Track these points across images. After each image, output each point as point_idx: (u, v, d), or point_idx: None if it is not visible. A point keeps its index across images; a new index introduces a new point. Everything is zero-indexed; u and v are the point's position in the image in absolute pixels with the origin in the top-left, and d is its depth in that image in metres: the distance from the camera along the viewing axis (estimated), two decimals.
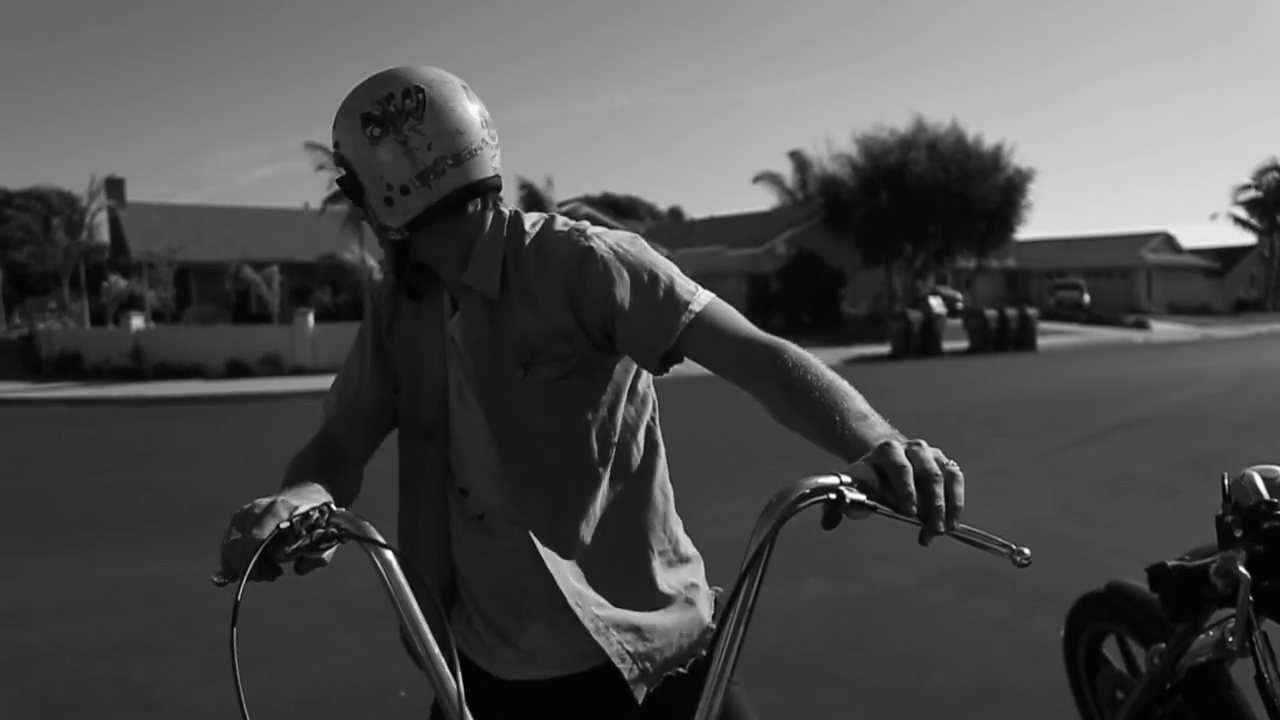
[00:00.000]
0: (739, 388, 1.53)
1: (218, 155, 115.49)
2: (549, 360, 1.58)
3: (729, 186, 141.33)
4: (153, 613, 5.53)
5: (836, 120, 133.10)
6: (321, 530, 1.36)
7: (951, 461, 1.21)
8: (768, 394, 1.45)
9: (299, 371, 22.87)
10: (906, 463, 1.18)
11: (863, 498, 1.20)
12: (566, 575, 1.62)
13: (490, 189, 1.62)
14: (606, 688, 1.63)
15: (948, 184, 36.58)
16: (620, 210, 52.50)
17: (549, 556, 1.61)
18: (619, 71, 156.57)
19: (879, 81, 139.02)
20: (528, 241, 1.63)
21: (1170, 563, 2.60)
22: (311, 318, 24.08)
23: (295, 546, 1.35)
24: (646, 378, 1.73)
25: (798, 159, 48.56)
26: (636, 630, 1.64)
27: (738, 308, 1.65)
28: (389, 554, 1.34)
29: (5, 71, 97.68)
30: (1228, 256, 60.99)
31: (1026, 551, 1.17)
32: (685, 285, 1.59)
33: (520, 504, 1.62)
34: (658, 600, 1.69)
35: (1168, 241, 57.26)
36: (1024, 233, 41.55)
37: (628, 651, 1.63)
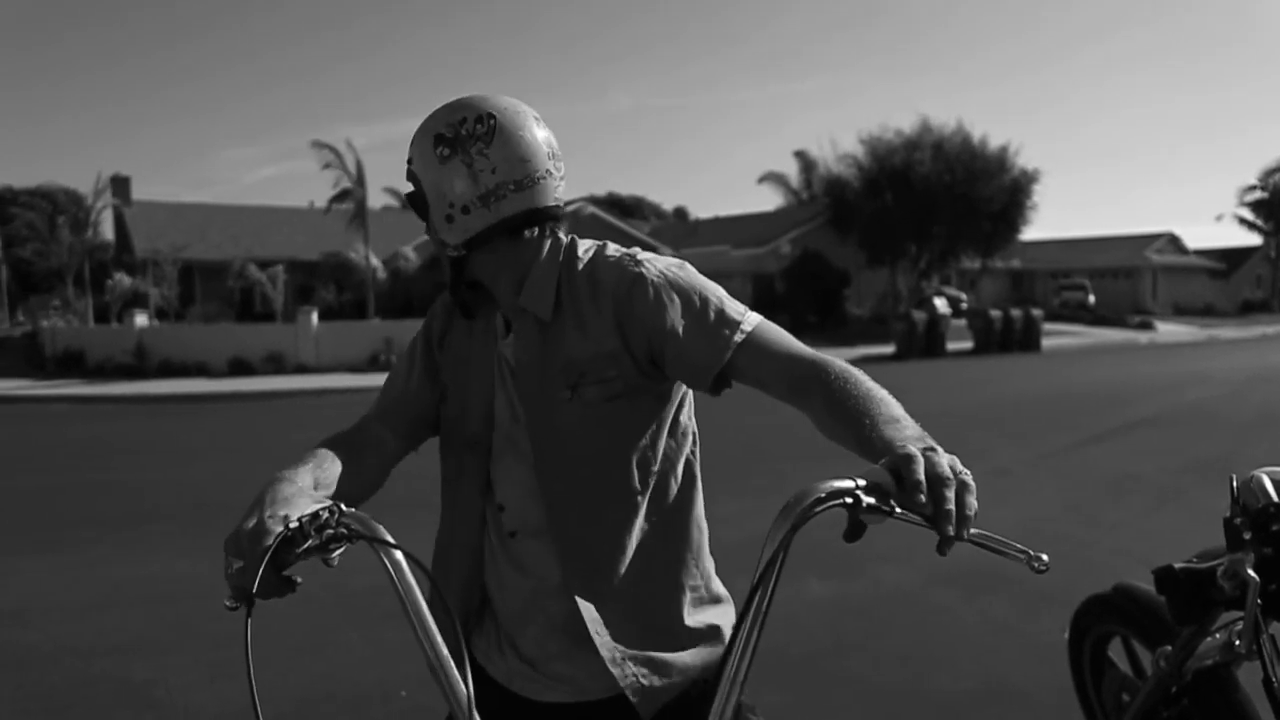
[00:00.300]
0: (788, 405, 1.56)
1: (223, 154, 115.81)
2: (594, 382, 1.61)
3: (734, 187, 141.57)
4: (154, 612, 5.52)
5: (842, 121, 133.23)
6: (331, 531, 1.34)
7: (965, 470, 1.21)
8: (813, 408, 1.48)
9: (302, 370, 22.88)
10: (920, 467, 1.18)
11: (874, 501, 1.19)
12: (591, 602, 1.63)
13: (550, 217, 1.65)
14: (622, 717, 1.63)
15: (953, 185, 36.54)
16: (625, 210, 52.53)
17: (576, 581, 1.63)
18: (624, 72, 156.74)
19: (885, 82, 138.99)
20: (580, 267, 1.67)
21: (1177, 565, 2.58)
22: (315, 316, 24.08)
23: (305, 547, 1.33)
24: (689, 410, 1.76)
25: (803, 159, 48.53)
26: (655, 664, 1.65)
27: None
28: (399, 555, 1.33)
29: (13, 70, 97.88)
30: (1233, 257, 60.88)
31: (1045, 558, 1.18)
32: (735, 307, 1.63)
33: (553, 524, 1.64)
34: (682, 637, 1.68)
35: (1173, 242, 57.16)
36: (1029, 233, 41.53)
37: (642, 685, 1.63)
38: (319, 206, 38.30)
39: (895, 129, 39.80)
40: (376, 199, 54.48)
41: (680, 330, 1.58)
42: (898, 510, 1.19)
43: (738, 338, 1.58)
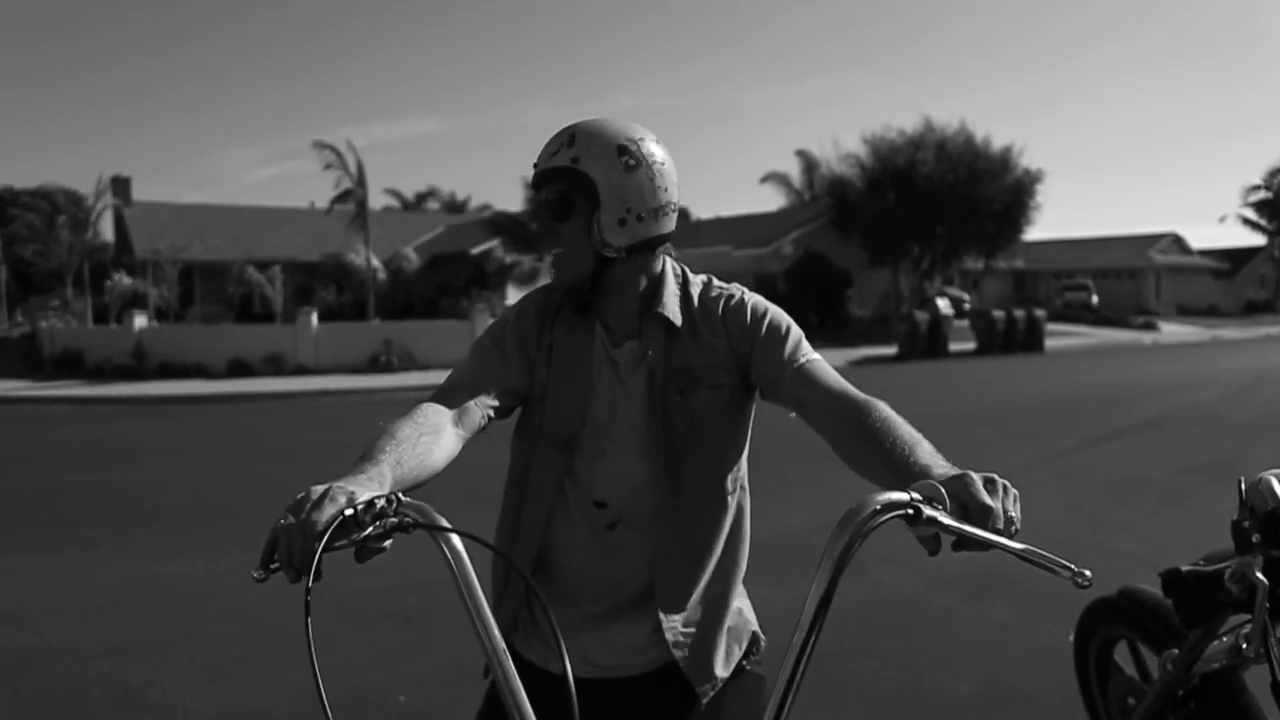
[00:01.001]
0: (814, 427, 1.76)
1: (224, 154, 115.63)
2: (707, 387, 1.82)
3: (736, 187, 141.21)
4: (152, 614, 5.48)
5: (844, 121, 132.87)
6: (391, 519, 1.36)
7: (1012, 487, 1.34)
8: (850, 436, 1.65)
9: (301, 371, 22.84)
10: (978, 480, 1.31)
11: (937, 513, 1.25)
12: (670, 590, 1.82)
13: (669, 241, 1.89)
14: (661, 691, 1.83)
15: (956, 185, 36.47)
16: None
17: (662, 571, 1.82)
18: (626, 72, 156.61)
19: (887, 82, 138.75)
20: (698, 289, 1.92)
21: (1184, 568, 2.55)
22: (314, 317, 24.05)
23: (366, 534, 1.34)
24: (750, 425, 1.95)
25: (805, 159, 48.49)
26: (705, 648, 1.85)
27: None
28: (458, 543, 1.35)
29: (14, 70, 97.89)
30: (1237, 258, 60.78)
31: (1088, 574, 1.21)
32: (807, 343, 1.88)
33: (658, 516, 1.82)
34: (728, 619, 1.90)
35: (1177, 242, 57.08)
36: (1032, 234, 41.41)
37: (690, 659, 1.83)
38: (319, 207, 38.30)
39: (898, 129, 39.75)
40: (377, 200, 54.59)
41: (765, 340, 1.84)
42: (953, 523, 1.25)
43: (802, 358, 1.82)
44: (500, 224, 31.64)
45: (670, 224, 1.83)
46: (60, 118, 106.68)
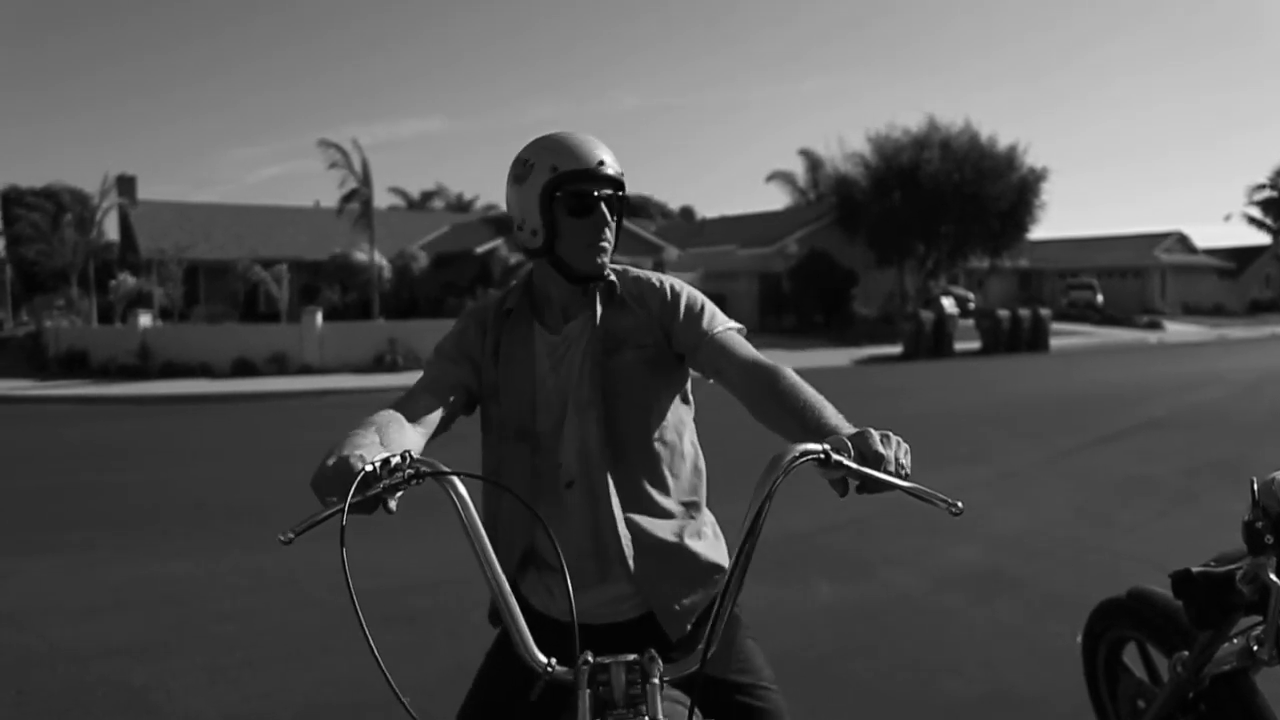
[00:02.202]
0: (730, 390, 2.00)
1: (229, 153, 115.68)
2: (633, 346, 2.07)
3: (740, 186, 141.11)
4: (154, 615, 5.45)
5: (849, 120, 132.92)
6: (407, 470, 1.58)
7: (902, 440, 1.64)
8: (763, 398, 1.89)
9: (306, 370, 22.83)
10: (875, 434, 1.61)
11: (842, 458, 1.56)
12: (630, 535, 2.01)
13: None
14: (650, 633, 1.97)
15: (961, 184, 36.38)
16: (631, 210, 51.95)
17: (617, 517, 2.01)
18: (629, 71, 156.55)
19: (892, 82, 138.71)
20: (628, 274, 2.18)
21: (1195, 569, 2.52)
22: (319, 316, 24.03)
23: (385, 486, 1.56)
24: (690, 385, 2.21)
25: (810, 158, 48.42)
26: (674, 591, 2.03)
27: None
28: (461, 488, 1.61)
29: (19, 69, 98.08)
30: (1242, 257, 60.65)
31: (960, 504, 1.54)
32: (723, 316, 2.14)
33: (599, 471, 2.03)
34: (694, 571, 2.06)
35: (1182, 241, 56.96)
36: (1037, 233, 41.27)
37: (668, 608, 2.02)
38: (324, 206, 38.31)
39: (903, 128, 39.49)
40: (382, 199, 54.65)
41: (684, 314, 2.09)
42: (855, 466, 1.56)
43: (719, 329, 2.07)
44: (504, 223, 31.50)
45: None
46: (65, 117, 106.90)
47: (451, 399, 2.09)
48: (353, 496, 1.49)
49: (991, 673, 4.50)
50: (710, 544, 2.12)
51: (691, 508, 2.12)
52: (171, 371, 22.48)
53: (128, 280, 29.76)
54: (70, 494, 9.18)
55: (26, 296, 41.78)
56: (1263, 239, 62.95)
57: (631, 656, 1.67)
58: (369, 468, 1.54)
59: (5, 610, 5.59)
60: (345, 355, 23.33)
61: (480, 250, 34.00)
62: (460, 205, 60.45)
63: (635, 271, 2.20)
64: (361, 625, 1.45)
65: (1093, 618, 3.40)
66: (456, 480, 1.61)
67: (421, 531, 6.97)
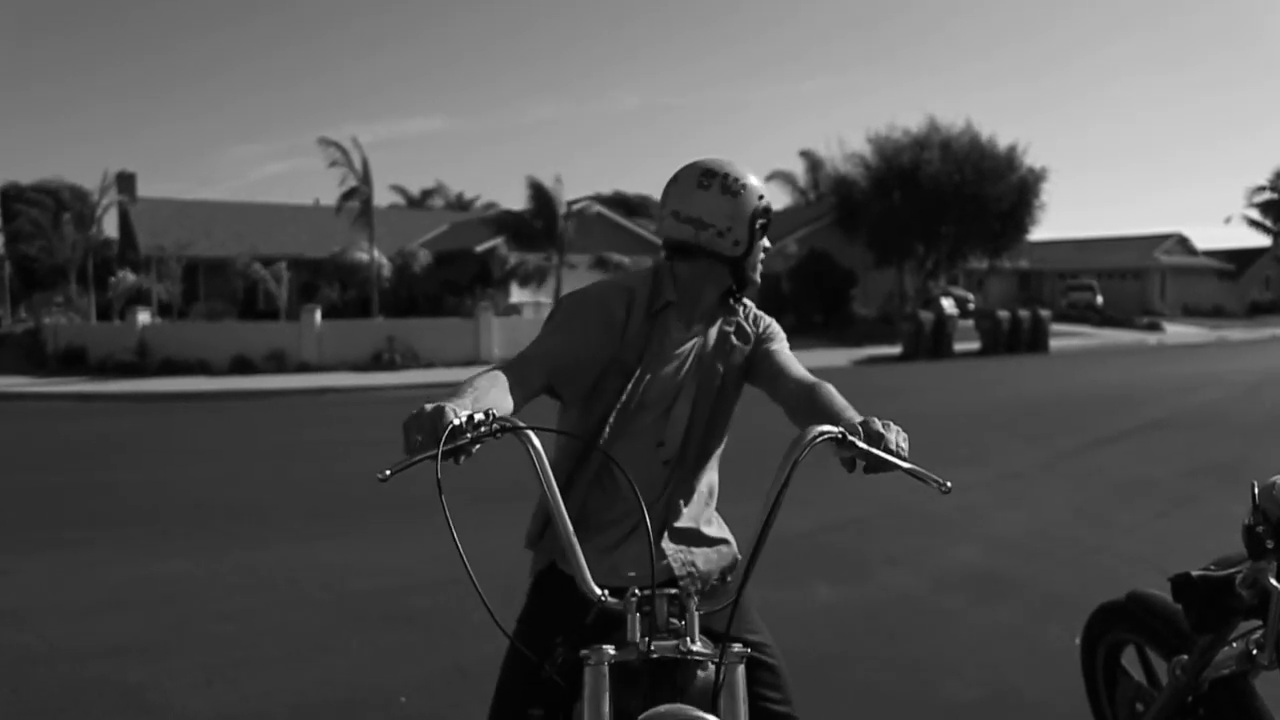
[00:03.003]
0: (773, 398, 2.40)
1: (229, 151, 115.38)
2: (739, 358, 2.47)
3: None
4: (151, 614, 5.44)
5: (849, 120, 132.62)
6: (493, 424, 1.84)
7: (901, 429, 1.99)
8: (800, 404, 2.27)
9: (304, 368, 22.80)
10: (877, 421, 1.97)
11: (855, 439, 1.90)
12: (679, 514, 2.41)
13: None
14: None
15: (961, 184, 36.34)
16: (631, 209, 52.34)
17: (682, 494, 2.42)
18: (630, 71, 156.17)
19: (892, 82, 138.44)
20: (749, 302, 2.58)
21: (1195, 572, 2.52)
22: (318, 314, 24.02)
23: (470, 438, 1.80)
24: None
25: (810, 159, 48.39)
26: (695, 560, 2.39)
27: None
28: (536, 442, 1.91)
29: (19, 65, 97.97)
30: (1242, 258, 60.65)
31: (949, 484, 1.87)
32: (786, 343, 2.55)
33: (692, 454, 2.41)
34: (707, 545, 2.43)
35: (1182, 243, 56.95)
36: (1037, 233, 41.21)
37: (689, 572, 2.36)
38: (324, 204, 38.25)
39: (903, 128, 39.44)
40: (383, 197, 54.58)
41: (771, 337, 2.53)
42: (863, 445, 1.90)
43: (785, 349, 2.51)
44: (505, 222, 31.46)
45: None
46: (65, 114, 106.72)
47: (568, 369, 2.28)
48: (444, 445, 1.74)
49: (991, 674, 4.49)
50: (717, 528, 2.50)
51: (706, 502, 2.50)
52: (170, 369, 22.46)
53: (127, 277, 29.74)
54: (68, 492, 9.16)
55: (25, 293, 41.73)
56: (1263, 241, 63.00)
57: (673, 590, 1.98)
58: (458, 421, 1.78)
59: (3, 608, 5.57)
60: (344, 353, 23.32)
61: (480, 249, 33.98)
62: (460, 204, 60.43)
63: (753, 305, 2.60)
64: (460, 553, 1.78)
65: (1092, 620, 3.39)
66: (533, 435, 1.90)
67: (421, 532, 6.96)
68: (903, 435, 1.96)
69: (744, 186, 2.32)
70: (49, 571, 6.35)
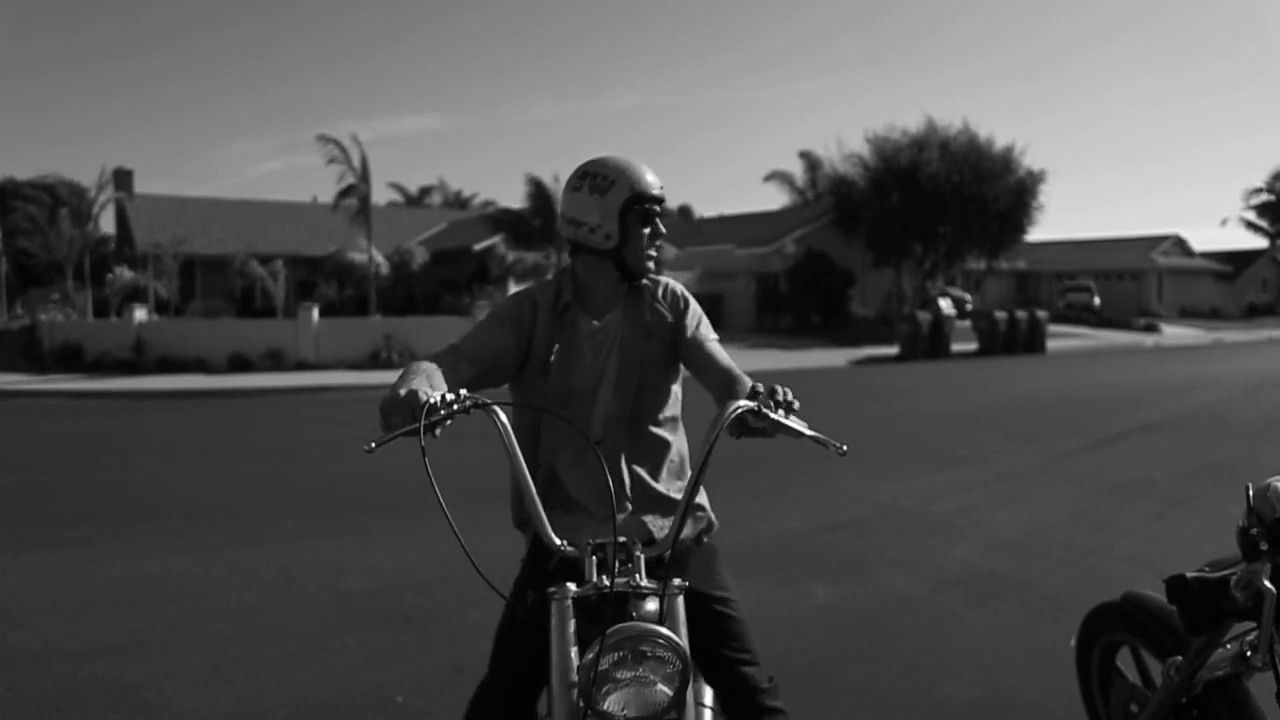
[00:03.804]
0: (702, 382, 2.63)
1: (227, 148, 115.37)
2: (658, 338, 2.65)
3: (739, 185, 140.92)
4: (148, 613, 5.43)
5: (848, 120, 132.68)
6: (465, 402, 2.09)
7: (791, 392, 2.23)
8: (722, 392, 2.49)
9: (302, 366, 22.78)
10: (777, 386, 2.23)
11: (768, 410, 2.16)
12: (628, 483, 2.58)
13: None
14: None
15: (959, 185, 36.37)
16: None
17: (624, 471, 2.58)
18: (629, 70, 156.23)
19: (891, 83, 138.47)
20: (661, 281, 2.75)
21: (1189, 574, 2.52)
22: (316, 312, 23.98)
23: (444, 415, 2.04)
24: (680, 379, 2.78)
25: (808, 159, 48.41)
26: (653, 517, 2.59)
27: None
28: (503, 416, 2.14)
29: (17, 61, 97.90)
30: (1239, 260, 60.74)
31: (845, 447, 2.17)
32: (709, 326, 2.75)
33: (619, 434, 2.59)
34: (668, 505, 2.61)
35: (1179, 245, 57.02)
36: (1034, 234, 41.25)
37: (655, 536, 2.54)
38: (322, 202, 38.24)
39: (901, 129, 39.49)
40: (381, 194, 54.54)
41: (690, 321, 2.70)
42: (764, 410, 2.16)
43: (709, 336, 2.70)
44: (502, 220, 31.49)
45: None
46: (63, 110, 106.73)
47: (488, 363, 2.54)
48: (426, 419, 1.98)
49: (988, 675, 4.50)
50: (703, 496, 2.72)
51: (679, 472, 2.70)
52: (167, 366, 22.43)
53: (124, 274, 29.72)
54: (65, 489, 9.15)
55: (22, 289, 41.73)
56: (1259, 243, 63.17)
57: (622, 539, 2.19)
58: (434, 399, 2.03)
59: None
60: (341, 351, 23.30)
61: (478, 247, 34.00)
62: (459, 202, 60.41)
63: (666, 279, 2.75)
64: (445, 514, 1.93)
65: (1087, 621, 3.40)
66: (499, 409, 2.13)
67: (419, 531, 6.96)
68: (790, 391, 2.22)
69: (612, 183, 2.50)
70: (45, 570, 6.34)
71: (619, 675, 2.03)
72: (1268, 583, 2.36)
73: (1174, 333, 40.98)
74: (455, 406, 2.06)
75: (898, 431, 12.61)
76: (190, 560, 6.46)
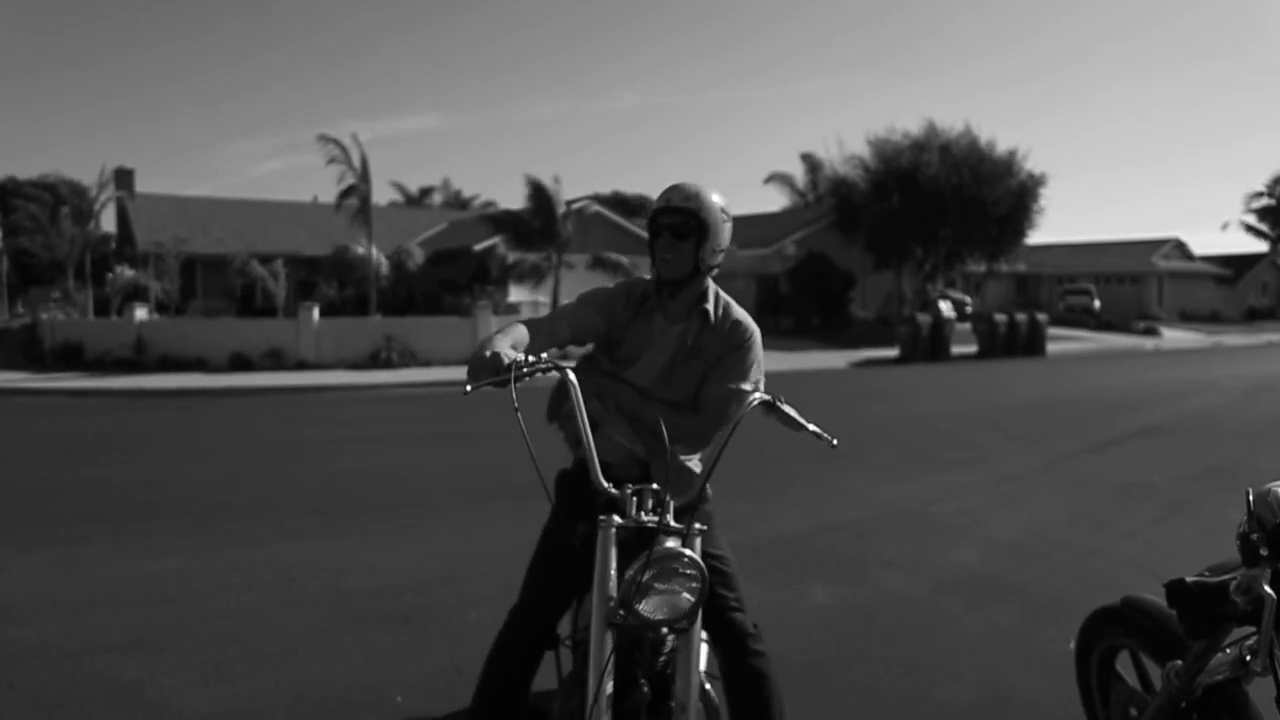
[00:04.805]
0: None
1: (228, 147, 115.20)
2: (701, 359, 3.08)
3: (739, 187, 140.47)
4: (148, 611, 5.43)
5: (849, 122, 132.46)
6: (543, 364, 2.61)
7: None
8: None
9: (302, 366, 22.76)
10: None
11: (779, 403, 2.72)
12: (664, 461, 2.81)
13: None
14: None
15: (960, 187, 36.38)
16: (629, 209, 52.28)
17: (659, 445, 2.81)
18: (630, 70, 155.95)
19: (892, 85, 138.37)
20: (727, 303, 3.19)
21: (1189, 579, 2.53)
22: (316, 312, 23.96)
23: (524, 373, 2.55)
24: None
25: (809, 160, 48.42)
26: (678, 479, 2.93)
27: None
28: (572, 376, 2.69)
29: (18, 60, 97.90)
30: (1239, 264, 60.74)
31: (835, 441, 2.69)
32: (754, 379, 3.09)
33: (652, 411, 2.98)
34: (689, 474, 3.06)
35: (1179, 248, 57.01)
36: (1035, 237, 41.26)
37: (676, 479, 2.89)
38: (323, 201, 38.22)
39: (902, 131, 39.54)
40: (381, 194, 54.55)
41: (734, 363, 3.10)
42: (785, 409, 2.74)
43: (744, 386, 3.02)
44: (503, 221, 31.39)
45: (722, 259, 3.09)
46: (64, 109, 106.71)
47: (580, 334, 3.07)
48: (514, 373, 2.52)
49: (987, 676, 4.51)
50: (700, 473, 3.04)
51: (696, 446, 3.12)
52: (167, 365, 22.41)
53: (124, 273, 29.69)
54: (65, 488, 9.15)
55: (23, 288, 41.73)
56: (1260, 246, 63.16)
57: (655, 486, 2.68)
58: (518, 358, 2.56)
59: None
60: (342, 351, 23.29)
61: (478, 248, 33.95)
62: (459, 202, 60.40)
63: (735, 310, 3.16)
64: (527, 444, 2.49)
65: (1086, 625, 3.40)
66: (570, 373, 2.70)
67: (419, 531, 6.96)
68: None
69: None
70: (45, 568, 6.34)
71: (656, 585, 2.50)
72: (1268, 588, 2.37)
73: (1174, 336, 40.97)
74: (538, 366, 2.60)
75: (897, 433, 12.61)
76: (190, 559, 6.46)
